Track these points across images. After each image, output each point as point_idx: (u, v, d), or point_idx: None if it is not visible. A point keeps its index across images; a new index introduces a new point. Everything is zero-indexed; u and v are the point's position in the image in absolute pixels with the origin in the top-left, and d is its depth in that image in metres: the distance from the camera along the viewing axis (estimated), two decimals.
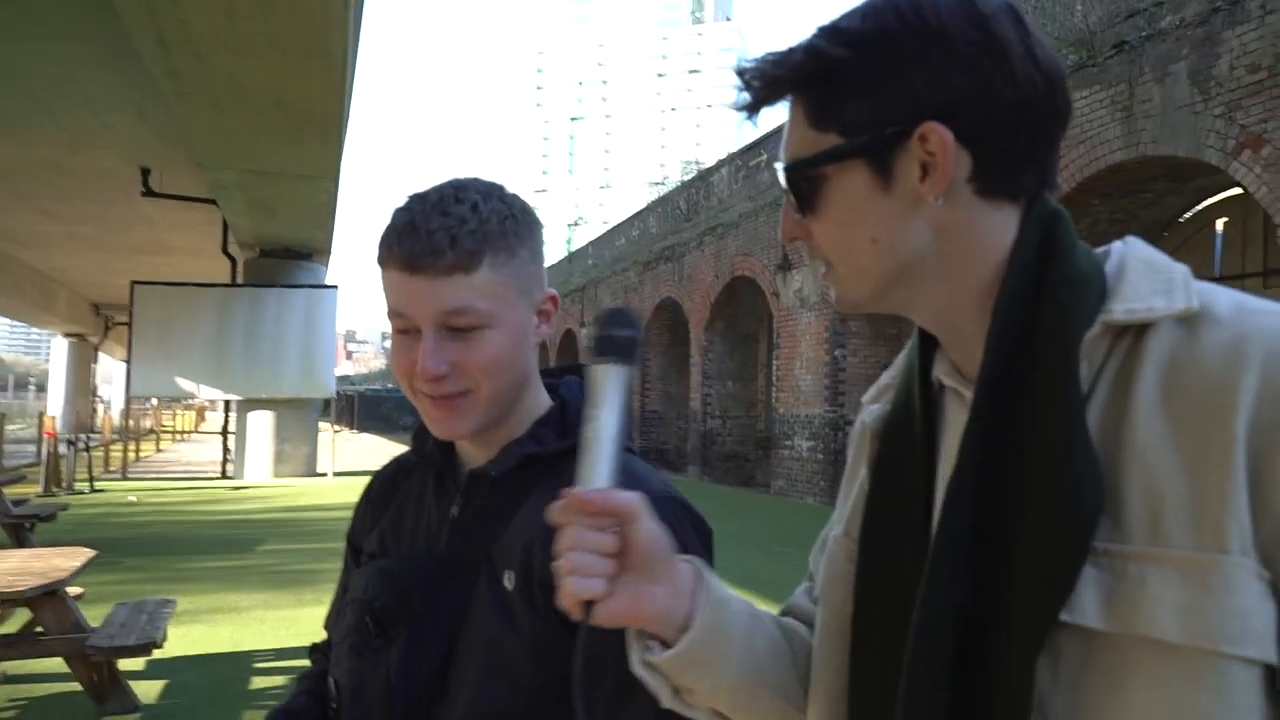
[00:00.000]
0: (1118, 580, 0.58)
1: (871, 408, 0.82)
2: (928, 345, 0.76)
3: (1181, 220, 10.07)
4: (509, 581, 0.93)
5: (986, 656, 0.61)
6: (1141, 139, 7.74)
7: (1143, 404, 0.60)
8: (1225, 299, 0.62)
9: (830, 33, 0.68)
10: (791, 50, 0.69)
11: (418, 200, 0.94)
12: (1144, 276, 0.64)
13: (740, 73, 0.71)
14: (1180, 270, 0.65)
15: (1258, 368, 0.57)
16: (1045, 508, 0.60)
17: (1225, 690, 0.55)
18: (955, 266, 0.68)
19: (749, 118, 0.74)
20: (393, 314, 0.94)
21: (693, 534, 0.97)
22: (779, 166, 0.72)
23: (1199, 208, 9.94)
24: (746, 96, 0.71)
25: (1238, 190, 8.90)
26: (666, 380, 19.44)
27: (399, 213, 0.94)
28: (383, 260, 0.94)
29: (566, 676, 0.82)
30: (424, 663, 0.93)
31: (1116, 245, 0.69)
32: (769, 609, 0.89)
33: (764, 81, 0.70)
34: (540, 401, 1.04)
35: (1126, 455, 0.60)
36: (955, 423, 0.71)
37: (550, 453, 0.99)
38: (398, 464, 1.15)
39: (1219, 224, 9.82)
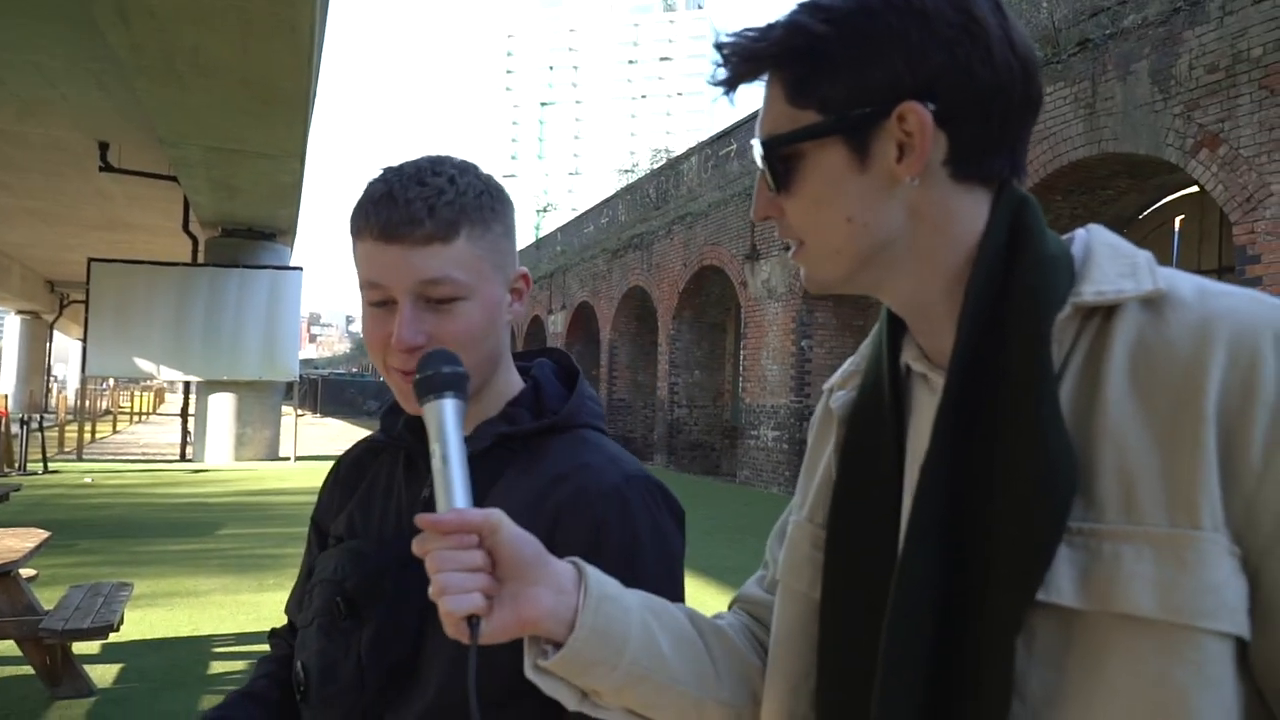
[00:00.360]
0: (1093, 559, 0.58)
1: (838, 394, 0.82)
2: (895, 331, 0.76)
3: (1141, 217, 10.28)
4: None
5: (964, 639, 0.62)
6: (1103, 136, 7.87)
7: (1113, 384, 0.61)
8: (1188, 282, 0.63)
9: (812, 8, 0.68)
10: (771, 26, 0.69)
11: (393, 172, 0.94)
12: (1110, 260, 0.66)
13: (719, 47, 0.70)
14: (1144, 255, 0.66)
15: (1225, 347, 0.58)
16: (1020, 488, 0.60)
17: (1201, 664, 0.56)
18: (927, 248, 0.68)
19: (726, 93, 0.73)
20: (367, 285, 0.92)
21: (665, 514, 0.99)
22: (755, 142, 0.72)
23: (1158, 205, 10.15)
24: (724, 72, 0.71)
25: (1195, 189, 9.10)
26: (634, 369, 19.45)
27: (374, 183, 0.93)
28: (357, 230, 0.93)
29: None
30: (396, 643, 0.93)
31: (1080, 232, 0.71)
32: (731, 595, 0.90)
33: (743, 56, 0.69)
34: (512, 382, 1.05)
35: (1098, 435, 0.61)
36: (924, 407, 0.71)
37: (524, 432, 0.99)
38: (366, 446, 1.14)
39: (1177, 221, 10.03)
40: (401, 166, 0.95)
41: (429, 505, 0.97)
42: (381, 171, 0.96)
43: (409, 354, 0.90)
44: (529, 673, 0.75)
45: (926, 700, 0.63)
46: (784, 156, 0.69)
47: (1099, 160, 8.17)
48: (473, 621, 0.68)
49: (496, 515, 0.71)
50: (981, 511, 0.62)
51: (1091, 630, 0.58)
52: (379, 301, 0.92)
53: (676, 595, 0.92)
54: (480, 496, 0.96)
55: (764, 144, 0.70)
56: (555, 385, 1.07)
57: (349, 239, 0.99)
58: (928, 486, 0.65)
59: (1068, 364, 0.64)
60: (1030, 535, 0.59)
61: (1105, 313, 0.64)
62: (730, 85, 0.72)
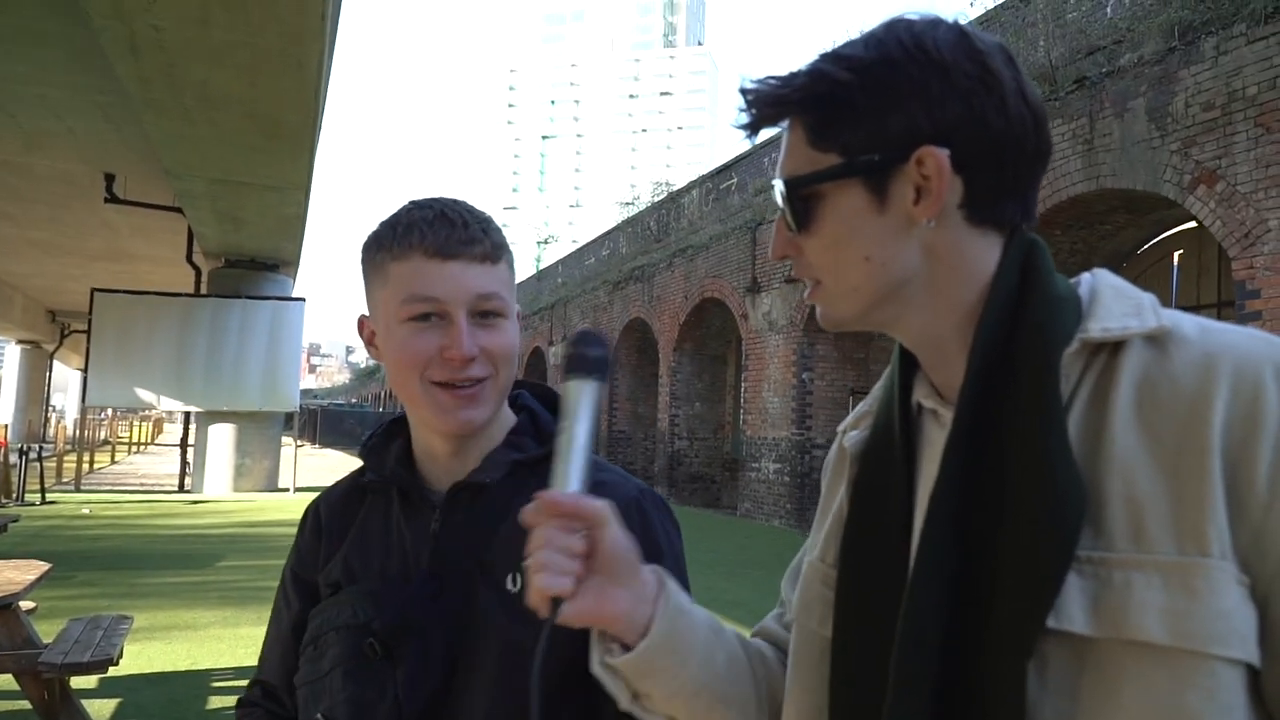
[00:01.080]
0: (1103, 587, 0.60)
1: (851, 433, 0.84)
2: (907, 370, 0.78)
3: (1140, 252, 10.34)
4: (512, 584, 0.95)
5: (972, 671, 0.63)
6: (1101, 172, 7.95)
7: (1119, 417, 0.63)
8: (1190, 321, 0.66)
9: (834, 58, 0.71)
10: (795, 74, 0.72)
11: (434, 200, 1.00)
12: (1115, 300, 0.68)
13: (744, 92, 0.74)
14: (1148, 297, 0.69)
15: (1228, 381, 0.60)
16: (1029, 516, 0.62)
17: (1214, 691, 0.57)
18: (941, 287, 0.71)
19: (749, 136, 0.77)
20: (416, 299, 0.95)
21: (672, 523, 1.05)
22: (777, 183, 0.74)
23: (1156, 240, 10.22)
24: (748, 116, 0.74)
25: (1193, 224, 9.17)
26: (635, 400, 19.44)
27: (419, 208, 0.98)
28: (405, 249, 0.96)
29: (582, 662, 0.85)
30: (431, 678, 0.94)
31: (1085, 275, 0.73)
32: (754, 629, 0.92)
33: (768, 101, 0.73)
34: (507, 413, 1.08)
35: (1105, 465, 0.62)
36: (934, 444, 0.73)
37: (532, 458, 1.02)
38: (346, 488, 1.13)
39: (1176, 256, 10.10)
40: (437, 198, 1.01)
41: (439, 539, 0.99)
42: (413, 201, 1.00)
43: (465, 364, 0.94)
44: (595, 668, 0.78)
45: None
46: (804, 197, 0.72)
47: (1097, 196, 8.24)
48: (556, 601, 0.71)
49: (607, 510, 0.74)
50: (991, 541, 0.64)
51: (1104, 658, 0.59)
52: (424, 315, 0.95)
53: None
54: (494, 525, 0.98)
55: (786, 184, 0.73)
56: (546, 413, 1.10)
57: (367, 262, 1.01)
58: (936, 517, 0.66)
59: (1074, 398, 0.66)
60: (1040, 562, 0.60)
61: (1111, 349, 0.66)
62: (754, 128, 0.75)
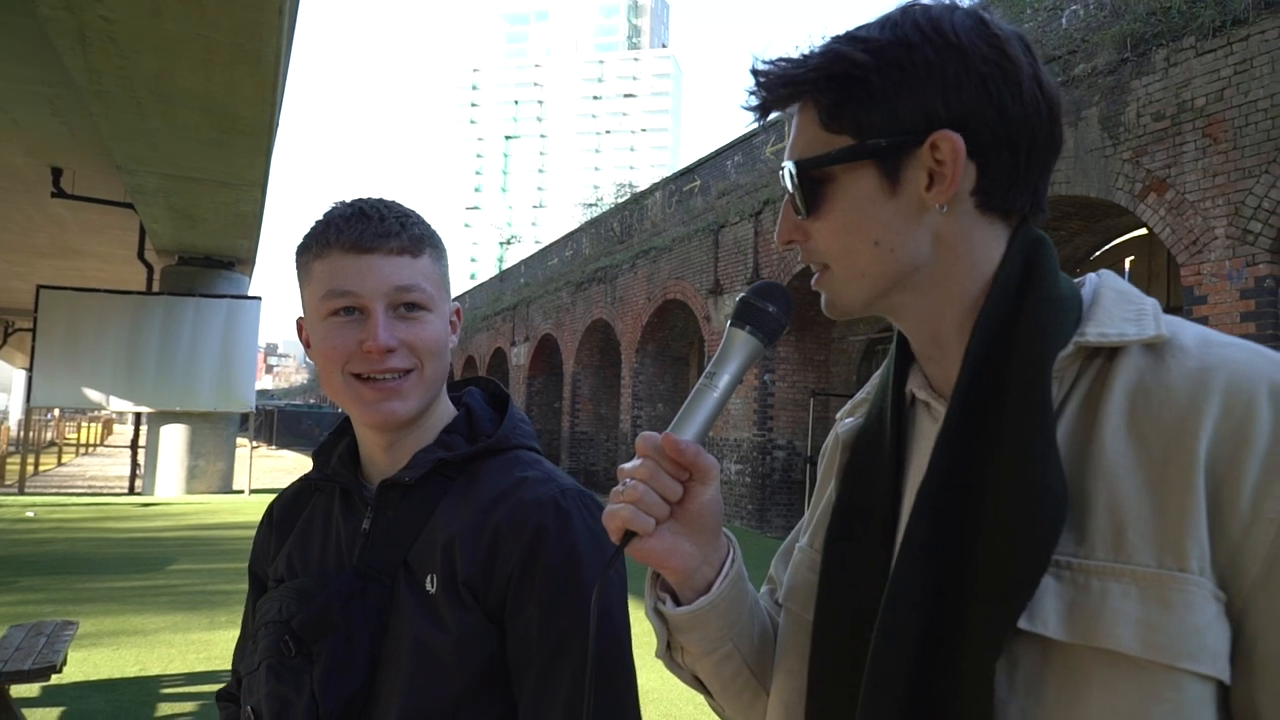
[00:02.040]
0: (1079, 593, 0.59)
1: (845, 421, 0.84)
2: (903, 360, 0.78)
3: (1093, 258, 10.58)
4: (431, 584, 0.95)
5: (947, 663, 0.63)
6: (1056, 179, 8.11)
7: (1110, 424, 0.62)
8: (1191, 331, 0.65)
9: (850, 39, 0.70)
10: (809, 55, 0.71)
11: (355, 199, 1.01)
12: (1117, 305, 0.68)
13: (755, 73, 0.72)
14: (1151, 302, 0.68)
15: (1220, 397, 0.60)
16: (1009, 516, 0.61)
17: (1179, 704, 0.57)
18: (947, 277, 0.70)
19: (758, 119, 0.75)
20: (334, 294, 0.96)
21: (600, 525, 1.00)
22: (787, 164, 0.72)
23: (1109, 246, 10.46)
24: (757, 97, 0.72)
25: (1144, 230, 9.40)
26: (597, 401, 19.39)
27: (339, 207, 1.00)
28: (323, 245, 0.97)
29: (493, 668, 0.92)
30: (349, 676, 0.93)
31: (1091, 276, 0.73)
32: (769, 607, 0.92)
33: (781, 81, 0.71)
34: (446, 409, 1.08)
35: (1092, 471, 0.62)
36: (925, 436, 0.73)
37: (460, 457, 1.02)
38: (298, 487, 1.15)
39: (1127, 262, 10.34)
40: (360, 198, 1.02)
41: (368, 538, 1.00)
42: (337, 202, 1.02)
43: (383, 356, 0.95)
44: (649, 611, 0.79)
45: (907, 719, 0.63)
46: (815, 179, 0.71)
47: (1052, 202, 8.39)
48: (629, 535, 0.70)
49: (715, 470, 0.72)
50: (973, 536, 0.63)
51: (1073, 663, 0.59)
52: (344, 310, 0.96)
53: (613, 604, 0.95)
54: (421, 520, 0.99)
55: (796, 166, 0.71)
56: (486, 410, 1.10)
57: (298, 264, 1.02)
58: (923, 508, 0.66)
59: (1068, 401, 0.65)
60: (1015, 564, 0.60)
61: (1108, 354, 0.66)
62: (764, 110, 0.74)
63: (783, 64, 0.71)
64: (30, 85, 9.04)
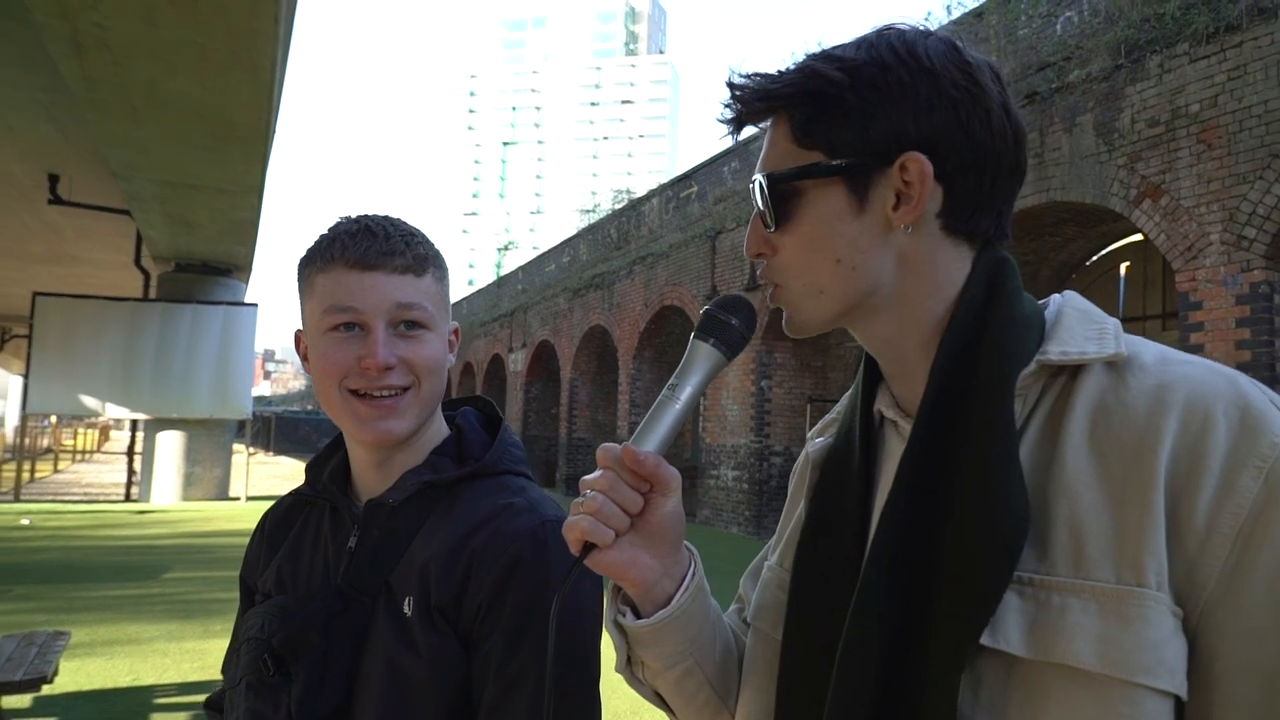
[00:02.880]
0: (1041, 609, 0.60)
1: (815, 440, 0.84)
2: (871, 379, 0.78)
3: (1088, 264, 10.59)
4: (408, 607, 0.95)
5: (912, 679, 0.63)
6: (1051, 185, 8.13)
7: (1072, 441, 0.63)
8: (1151, 350, 0.66)
9: (826, 57, 0.71)
10: (785, 70, 0.72)
11: (361, 216, 1.01)
12: (1079, 324, 0.69)
13: (731, 86, 0.73)
14: (1112, 322, 0.69)
15: (1178, 413, 0.60)
16: (972, 533, 0.62)
17: (1136, 719, 0.57)
18: (910, 296, 0.70)
19: (732, 132, 0.76)
20: (336, 310, 0.96)
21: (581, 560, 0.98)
22: (757, 177, 0.73)
23: (1104, 252, 10.48)
24: (732, 110, 0.73)
25: (1139, 236, 9.41)
26: (594, 408, 19.38)
27: (345, 222, 1.00)
28: (327, 260, 0.97)
29: (466, 693, 0.91)
30: (326, 697, 0.93)
31: (1055, 297, 0.74)
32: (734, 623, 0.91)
33: (756, 95, 0.72)
34: (439, 430, 1.08)
35: (1054, 488, 0.62)
36: (893, 455, 0.73)
37: (447, 480, 1.01)
38: (292, 499, 1.14)
39: (1123, 268, 10.35)
40: (366, 214, 1.02)
41: (354, 557, 1.00)
42: (343, 217, 1.02)
43: (382, 373, 0.95)
44: (608, 624, 0.79)
45: None
46: (784, 194, 0.72)
47: (1047, 208, 8.42)
48: (588, 546, 0.70)
49: (677, 483, 0.72)
50: (937, 554, 0.64)
51: (1034, 679, 0.60)
52: (345, 325, 0.96)
53: (579, 642, 0.93)
54: (404, 542, 0.99)
55: (767, 179, 0.72)
56: (478, 432, 1.10)
57: (299, 277, 1.02)
58: (888, 525, 0.66)
59: (1031, 419, 0.66)
60: (979, 576, 0.61)
61: (1071, 372, 0.66)
62: (739, 124, 0.75)
63: (759, 78, 0.72)
64: (26, 91, 9.04)
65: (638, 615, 0.76)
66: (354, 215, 1.02)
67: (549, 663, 0.72)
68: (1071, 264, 10.33)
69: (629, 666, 0.80)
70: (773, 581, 0.82)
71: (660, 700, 0.83)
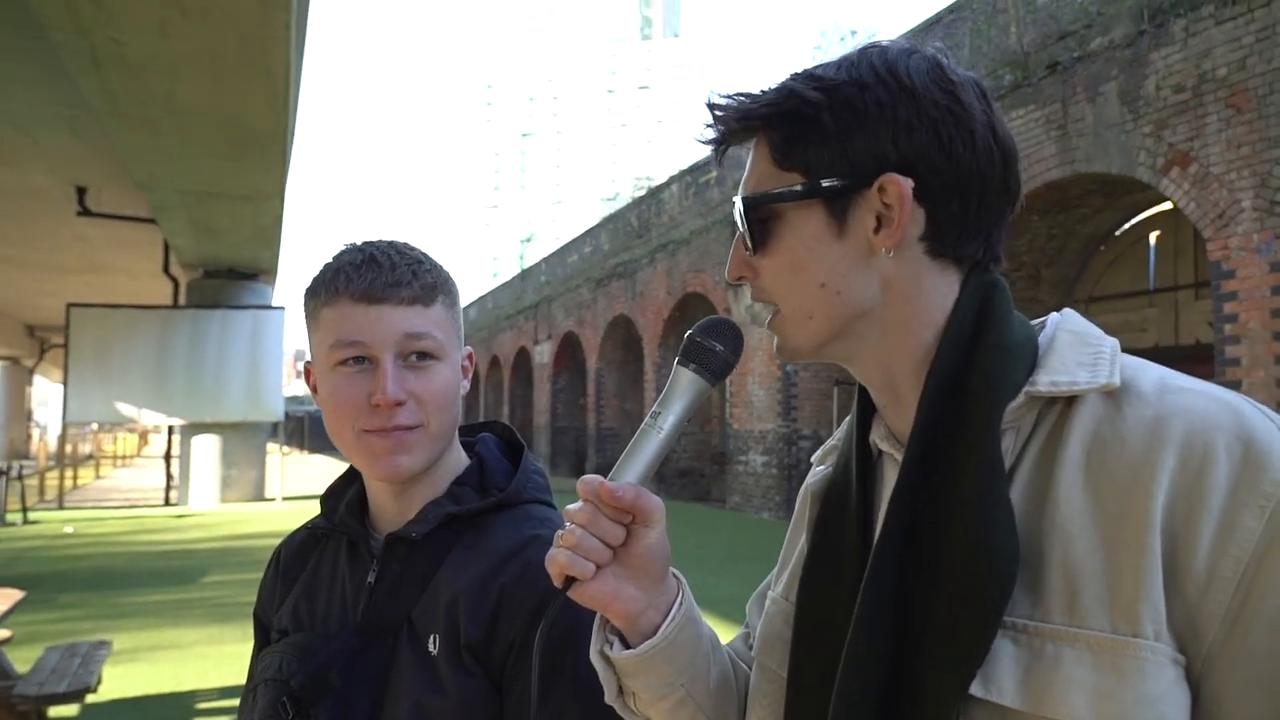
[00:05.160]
0: (1035, 658, 0.57)
1: (817, 470, 0.82)
2: (866, 409, 0.76)
3: (1116, 235, 10.38)
4: (433, 645, 0.92)
5: None
6: (1076, 156, 7.97)
7: (1066, 476, 0.60)
8: (1150, 375, 0.63)
9: (805, 76, 0.69)
10: (765, 91, 0.70)
11: (366, 244, 0.98)
12: (1072, 349, 0.65)
13: (712, 107, 0.72)
14: (1110, 344, 0.65)
15: (1176, 449, 0.57)
16: (959, 576, 0.59)
17: None
18: (898, 324, 0.68)
19: (714, 154, 0.75)
20: (342, 345, 0.94)
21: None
22: (736, 201, 0.72)
23: (1133, 222, 10.26)
24: (714, 131, 0.72)
25: (1168, 205, 9.21)
26: (621, 397, 19.41)
27: (349, 252, 0.97)
28: (332, 293, 0.95)
29: None
30: None
31: (1053, 316, 0.71)
32: (724, 626, 0.89)
33: (735, 116, 0.71)
34: (459, 459, 1.05)
35: (1048, 529, 0.59)
36: (890, 487, 0.70)
37: (470, 511, 0.99)
38: (307, 533, 1.12)
39: (1152, 238, 10.14)
40: (371, 240, 1.00)
41: (373, 592, 0.98)
42: (346, 246, 1.00)
43: (392, 409, 0.92)
44: (594, 655, 0.77)
45: None
46: (763, 217, 0.70)
47: (1072, 180, 8.26)
48: (570, 580, 0.69)
49: (660, 514, 0.71)
50: (927, 599, 0.62)
51: None
52: (353, 359, 0.94)
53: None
54: (426, 577, 0.97)
55: (745, 202, 0.71)
56: (500, 461, 1.07)
57: (306, 309, 1.00)
58: (878, 567, 0.64)
59: (1025, 453, 0.63)
60: (966, 622, 0.58)
61: (1067, 401, 0.63)
62: (721, 144, 0.73)
63: (740, 99, 0.71)
64: (50, 107, 9.18)
65: (626, 645, 0.75)
66: (358, 243, 0.99)
67: (532, 695, 0.71)
68: (1099, 236, 10.13)
69: (620, 697, 0.78)
70: (778, 615, 0.80)
71: None
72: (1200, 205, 6.88)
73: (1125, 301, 10.31)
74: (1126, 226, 10.33)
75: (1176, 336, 10.02)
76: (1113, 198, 9.16)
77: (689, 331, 0.75)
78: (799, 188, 0.68)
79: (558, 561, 0.69)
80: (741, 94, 0.71)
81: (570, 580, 0.69)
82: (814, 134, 0.67)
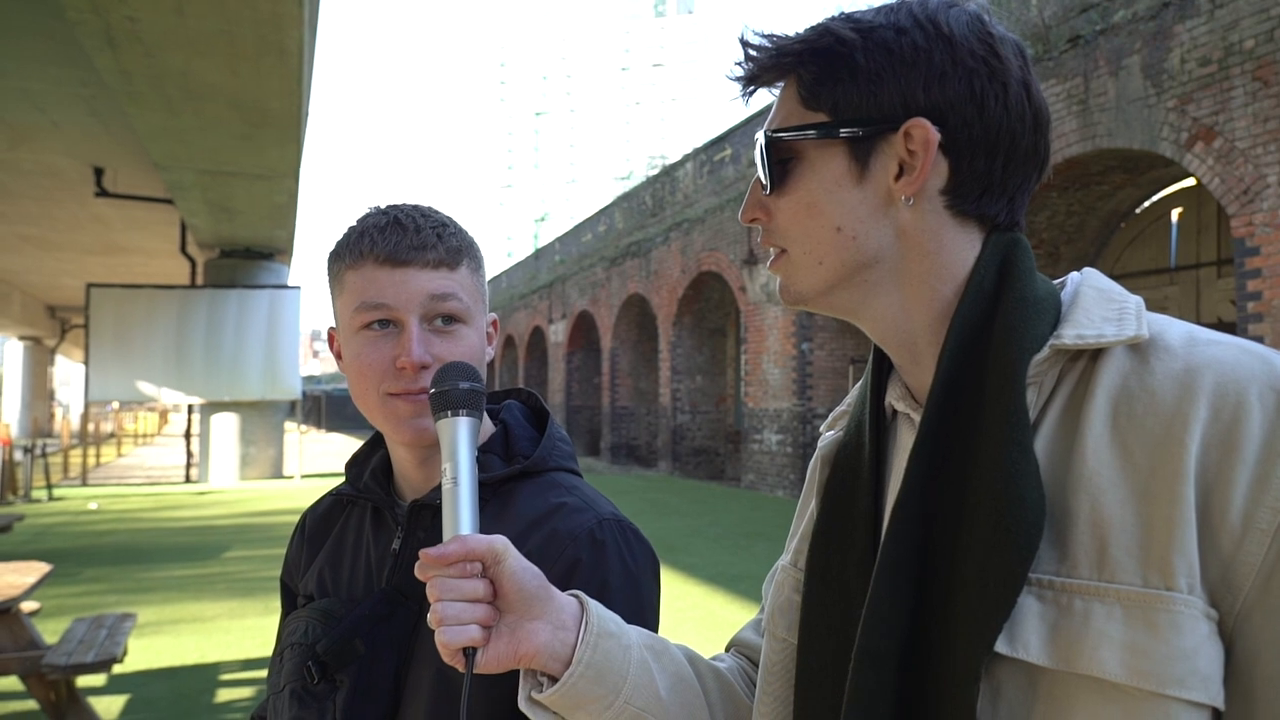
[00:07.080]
0: (1063, 615, 0.56)
1: (826, 435, 0.81)
2: (882, 371, 0.75)
3: (1138, 211, 10.25)
4: None
5: (927, 687, 0.60)
6: (1097, 131, 7.85)
7: (1093, 431, 0.59)
8: (1177, 329, 0.62)
9: (844, 17, 0.69)
10: (800, 31, 0.70)
11: (390, 207, 0.98)
12: (1097, 304, 0.64)
13: (745, 44, 0.71)
14: (1134, 301, 0.65)
15: (1208, 399, 0.56)
16: (983, 534, 0.58)
17: None
18: (913, 275, 0.67)
19: (744, 92, 0.74)
20: (368, 307, 0.93)
21: (639, 558, 0.96)
22: (759, 136, 0.71)
23: (1154, 199, 10.12)
24: (744, 69, 0.71)
25: (1192, 181, 9.07)
26: (636, 376, 19.43)
27: (374, 215, 0.97)
28: (357, 256, 0.94)
29: (512, 699, 0.84)
30: (372, 704, 0.91)
31: (1073, 275, 0.70)
32: (739, 604, 0.88)
33: (769, 53, 0.70)
34: (485, 426, 1.04)
35: (1074, 483, 0.58)
36: (905, 448, 0.70)
37: (495, 479, 0.98)
38: (332, 499, 1.12)
39: (1174, 214, 10.01)
40: (396, 204, 0.99)
41: (398, 559, 0.98)
42: (370, 209, 0.99)
43: (417, 372, 0.92)
44: (523, 704, 0.74)
45: None
46: (785, 154, 0.69)
47: (1093, 156, 8.15)
48: (469, 652, 0.69)
49: (501, 544, 0.71)
50: (949, 555, 0.61)
51: (1058, 690, 0.56)
52: (378, 323, 0.93)
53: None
54: None
55: (767, 138, 0.70)
56: (525, 428, 1.06)
57: (330, 273, 1.00)
58: (898, 525, 0.63)
59: (1049, 407, 0.62)
60: (992, 579, 0.57)
61: (1091, 356, 0.62)
62: (750, 83, 0.72)
63: (773, 37, 0.70)
64: (67, 87, 9.22)
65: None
66: (383, 206, 0.98)
67: None
68: (1120, 213, 10.00)
69: None
70: (787, 583, 0.79)
71: None
72: (1225, 181, 6.77)
73: (1146, 279, 10.20)
74: (1148, 203, 10.19)
75: (1198, 315, 9.91)
76: (1134, 174, 9.03)
77: (432, 392, 0.80)
78: (823, 125, 0.67)
79: (443, 644, 0.69)
80: (774, 34, 0.70)
81: (469, 654, 0.69)
82: (845, 73, 0.66)
